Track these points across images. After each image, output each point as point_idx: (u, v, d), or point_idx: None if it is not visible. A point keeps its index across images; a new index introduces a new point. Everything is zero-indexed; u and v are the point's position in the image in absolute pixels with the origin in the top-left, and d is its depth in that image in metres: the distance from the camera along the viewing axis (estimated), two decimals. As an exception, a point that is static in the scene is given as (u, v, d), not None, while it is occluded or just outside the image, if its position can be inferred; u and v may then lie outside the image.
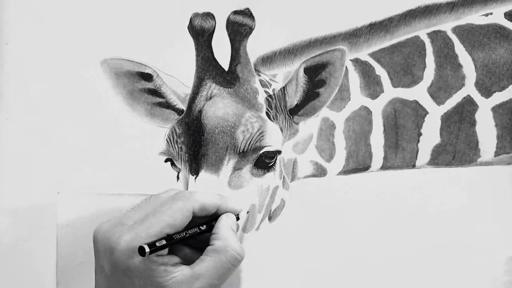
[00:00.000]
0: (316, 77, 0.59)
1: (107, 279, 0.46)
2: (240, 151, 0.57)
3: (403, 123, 0.60)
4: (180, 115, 0.59)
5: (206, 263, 0.47)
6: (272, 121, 0.59)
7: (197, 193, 0.49)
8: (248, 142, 0.57)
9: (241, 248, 0.48)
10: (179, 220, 0.46)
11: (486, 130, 0.60)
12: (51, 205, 0.58)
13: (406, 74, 0.60)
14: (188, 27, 0.59)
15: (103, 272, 0.46)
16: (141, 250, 0.43)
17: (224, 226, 0.49)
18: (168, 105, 0.60)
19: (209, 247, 0.48)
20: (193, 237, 0.48)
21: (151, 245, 0.44)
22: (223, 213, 0.50)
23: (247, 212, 0.56)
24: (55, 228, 0.58)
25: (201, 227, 0.49)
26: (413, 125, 0.60)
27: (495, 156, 0.60)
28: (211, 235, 0.49)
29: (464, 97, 0.60)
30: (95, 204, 0.57)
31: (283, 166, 0.60)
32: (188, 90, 0.59)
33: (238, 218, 0.53)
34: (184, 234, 0.47)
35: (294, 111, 0.60)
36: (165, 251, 0.46)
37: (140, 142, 0.60)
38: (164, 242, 0.45)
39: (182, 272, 0.45)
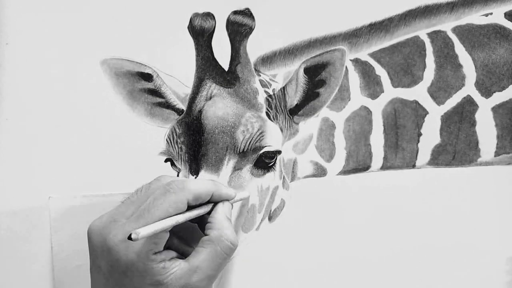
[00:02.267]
0: (316, 77, 0.59)
1: (105, 279, 0.45)
2: (240, 151, 0.57)
3: (403, 123, 0.60)
4: (180, 115, 0.59)
5: (202, 255, 0.46)
6: (272, 121, 0.59)
7: (190, 182, 0.47)
8: (248, 142, 0.57)
9: (235, 238, 0.47)
10: (174, 214, 0.45)
11: (486, 130, 0.60)
12: (45, 209, 0.58)
13: (406, 74, 0.60)
14: (188, 27, 0.59)
15: (100, 272, 0.46)
16: (130, 237, 0.42)
17: (220, 215, 0.48)
18: (168, 105, 0.60)
19: (204, 238, 0.47)
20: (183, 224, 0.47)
21: (140, 232, 0.42)
22: (217, 199, 0.49)
23: (250, 207, 0.56)
24: (49, 232, 0.57)
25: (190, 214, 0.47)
26: (413, 125, 0.60)
27: (495, 156, 0.60)
28: (206, 223, 0.48)
29: (464, 97, 0.60)
30: (87, 206, 0.57)
31: (283, 166, 0.60)
32: (188, 90, 0.59)
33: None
34: (174, 221, 0.45)
35: (294, 111, 0.60)
36: (161, 246, 0.46)
37: (140, 142, 0.60)
38: (152, 229, 0.43)
39: (179, 266, 0.45)
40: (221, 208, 0.49)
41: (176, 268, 0.45)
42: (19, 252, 0.59)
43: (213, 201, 0.49)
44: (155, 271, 0.44)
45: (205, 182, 0.49)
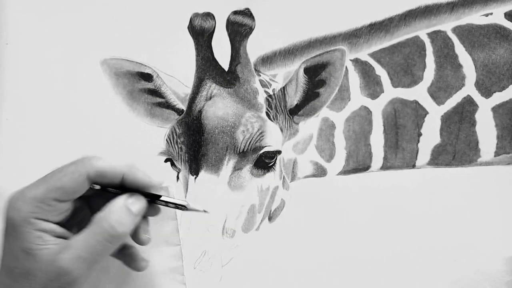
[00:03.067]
0: (316, 77, 0.59)
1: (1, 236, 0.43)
2: (240, 151, 0.57)
3: (403, 123, 0.60)
4: (180, 115, 0.59)
5: (80, 235, 0.42)
6: (272, 121, 0.59)
7: (97, 158, 0.44)
8: (248, 142, 0.57)
9: (119, 223, 0.43)
10: (68, 184, 0.42)
11: (486, 130, 0.60)
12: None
13: (406, 74, 0.60)
14: (188, 27, 0.59)
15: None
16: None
17: (118, 200, 0.44)
18: (168, 105, 0.60)
19: (91, 218, 0.44)
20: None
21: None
22: (131, 185, 0.45)
23: (204, 211, 0.49)
24: None
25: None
26: (413, 125, 0.60)
27: (495, 156, 0.60)
28: None
29: (464, 97, 0.60)
30: None
31: (283, 166, 0.60)
32: (188, 90, 0.59)
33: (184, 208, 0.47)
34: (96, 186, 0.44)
35: (294, 111, 0.60)
36: (49, 216, 0.42)
37: (140, 142, 0.60)
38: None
39: (57, 242, 0.42)
40: (125, 196, 0.45)
41: (52, 243, 0.42)
42: None
43: (128, 187, 0.45)
44: (29, 237, 0.41)
45: (116, 162, 0.45)
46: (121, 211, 0.44)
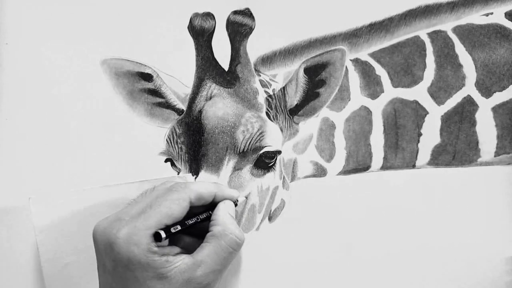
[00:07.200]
0: (316, 77, 0.58)
1: (110, 276, 0.46)
2: (240, 151, 0.57)
3: (403, 123, 0.60)
4: (180, 115, 0.59)
5: (206, 250, 0.47)
6: (272, 121, 0.59)
7: (193, 183, 0.50)
8: (248, 142, 0.57)
9: (240, 232, 0.49)
10: (176, 211, 0.47)
11: (486, 130, 0.60)
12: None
13: (406, 74, 0.60)
14: (188, 27, 0.59)
15: (106, 271, 0.46)
16: (156, 236, 0.45)
17: (222, 212, 0.50)
18: (168, 105, 0.60)
19: (208, 234, 0.49)
20: (192, 226, 0.49)
21: (167, 230, 0.45)
22: (220, 201, 0.51)
23: (246, 197, 0.57)
24: (34, 233, 0.57)
25: (200, 216, 0.50)
26: (413, 125, 0.60)
27: (495, 156, 0.60)
28: (210, 221, 0.50)
29: (464, 97, 0.60)
30: (69, 203, 0.56)
31: (283, 166, 0.60)
32: (188, 90, 0.59)
33: (236, 205, 0.53)
34: (190, 221, 0.48)
35: (294, 111, 0.60)
36: (166, 242, 0.47)
37: (140, 142, 0.60)
38: (179, 227, 0.46)
39: (183, 261, 0.46)
40: (222, 206, 0.51)
41: (180, 262, 0.46)
42: (5, 256, 0.59)
43: (217, 202, 0.51)
44: (157, 264, 0.45)
45: (207, 184, 0.51)
46: (233, 220, 0.50)
